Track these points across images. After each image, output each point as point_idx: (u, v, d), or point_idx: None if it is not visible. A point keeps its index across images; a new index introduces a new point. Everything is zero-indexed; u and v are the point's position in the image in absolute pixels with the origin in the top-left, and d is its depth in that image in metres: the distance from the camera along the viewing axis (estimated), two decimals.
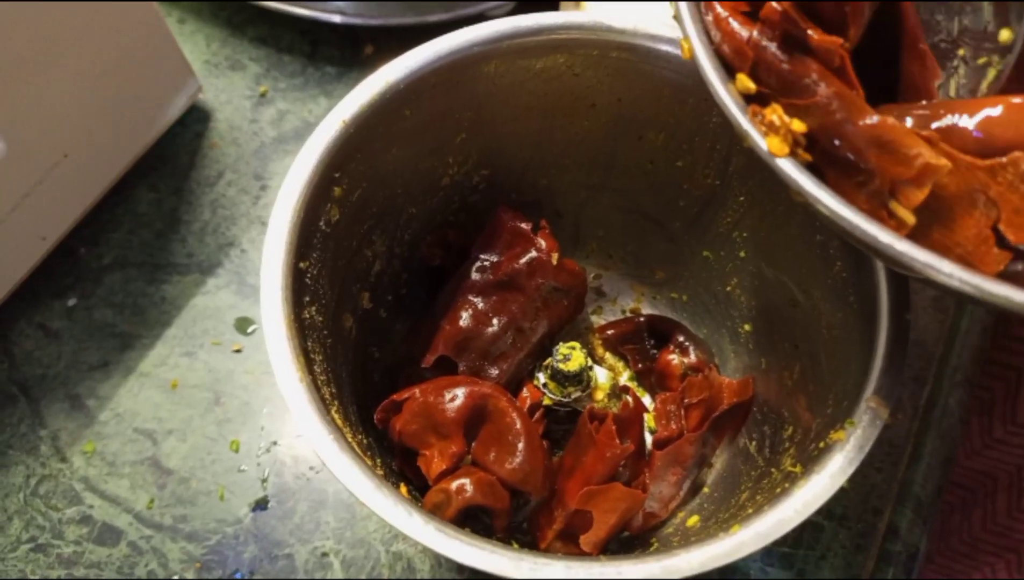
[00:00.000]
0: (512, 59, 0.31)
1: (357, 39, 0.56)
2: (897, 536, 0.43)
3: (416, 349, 0.37)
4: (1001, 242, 0.22)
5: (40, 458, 0.43)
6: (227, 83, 0.55)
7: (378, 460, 0.32)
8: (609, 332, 0.41)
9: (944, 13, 0.24)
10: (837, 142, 0.22)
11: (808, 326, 0.32)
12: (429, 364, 0.35)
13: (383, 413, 0.32)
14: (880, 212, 0.22)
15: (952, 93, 0.24)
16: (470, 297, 0.36)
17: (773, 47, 0.21)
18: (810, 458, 0.26)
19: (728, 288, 0.38)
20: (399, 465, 0.34)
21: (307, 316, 0.28)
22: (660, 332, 0.40)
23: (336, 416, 0.26)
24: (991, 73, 0.23)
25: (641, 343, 0.40)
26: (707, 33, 0.23)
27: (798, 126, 0.21)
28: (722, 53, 0.22)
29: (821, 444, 0.26)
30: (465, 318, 0.36)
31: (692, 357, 0.38)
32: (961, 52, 0.23)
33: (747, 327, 0.37)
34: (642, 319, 0.41)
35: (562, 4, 0.55)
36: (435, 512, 0.29)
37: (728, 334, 0.39)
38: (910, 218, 0.22)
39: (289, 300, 0.26)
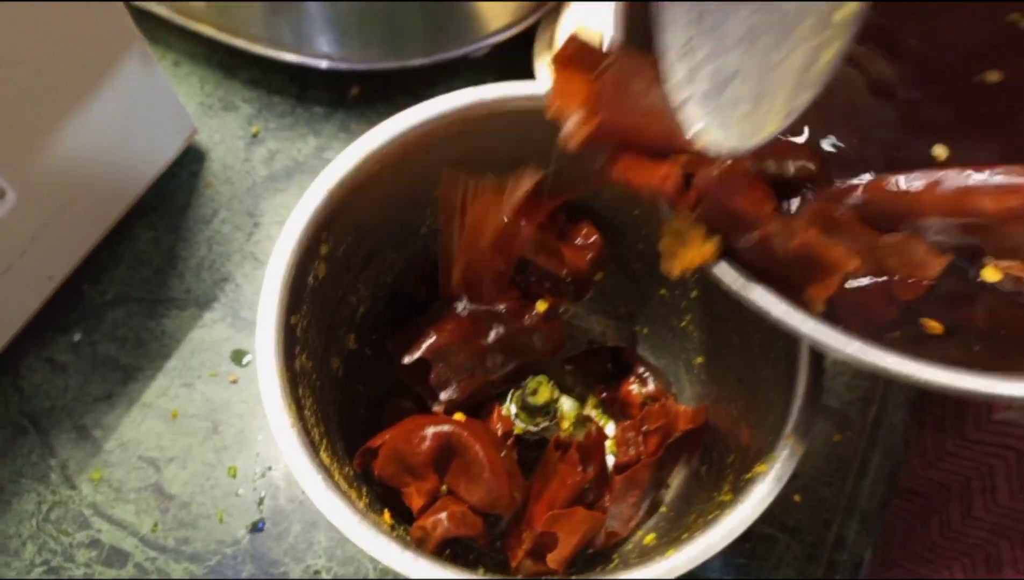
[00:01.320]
0: (478, 123, 0.35)
1: (344, 80, 0.59)
2: (844, 546, 0.47)
3: (401, 349, 0.40)
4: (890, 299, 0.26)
5: (51, 486, 0.46)
6: (220, 124, 0.58)
7: (364, 489, 0.35)
8: (576, 363, 0.44)
9: None
10: (765, 258, 0.26)
11: (748, 363, 0.35)
12: (409, 362, 0.39)
13: (361, 458, 0.35)
14: (794, 297, 0.26)
15: (792, 67, 0.25)
16: (460, 314, 0.40)
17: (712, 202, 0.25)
18: (739, 487, 0.30)
19: (683, 324, 0.42)
20: (384, 494, 0.37)
21: (298, 365, 0.31)
22: (622, 363, 0.44)
23: (324, 456, 0.30)
24: (827, 52, 0.24)
25: (605, 373, 0.44)
26: None
27: (710, 249, 0.25)
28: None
29: (748, 475, 0.29)
30: (448, 332, 0.39)
31: (651, 387, 0.42)
32: (808, 22, 0.25)
33: (699, 360, 0.41)
34: (606, 351, 0.44)
35: (536, 45, 0.59)
36: (420, 546, 0.33)
37: (683, 366, 0.42)
38: (820, 307, 0.26)
39: (281, 354, 0.29)
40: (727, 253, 0.26)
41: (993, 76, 0.30)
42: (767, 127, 0.24)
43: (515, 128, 0.36)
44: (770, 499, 0.28)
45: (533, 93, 0.34)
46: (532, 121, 0.36)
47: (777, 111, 0.23)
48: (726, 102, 0.24)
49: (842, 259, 0.25)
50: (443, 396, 0.37)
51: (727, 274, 0.25)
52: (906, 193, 0.25)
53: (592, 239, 0.38)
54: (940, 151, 0.27)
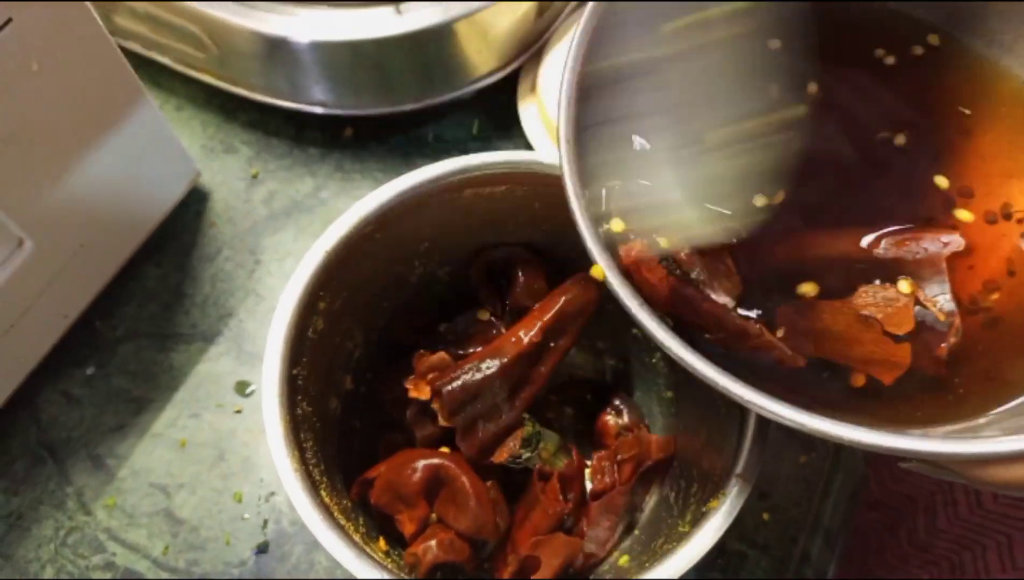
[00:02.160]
0: (461, 189, 0.38)
1: (338, 123, 0.62)
2: (809, 562, 0.50)
3: (386, 390, 0.43)
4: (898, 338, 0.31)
5: (67, 512, 0.49)
6: (222, 166, 0.61)
7: (361, 519, 0.39)
8: (557, 394, 0.48)
9: None
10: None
11: (708, 401, 0.39)
12: (392, 402, 0.42)
13: (359, 487, 0.39)
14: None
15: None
16: None
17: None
18: (696, 519, 0.33)
19: (653, 360, 0.45)
20: (379, 521, 0.40)
21: (299, 412, 0.34)
22: (600, 395, 0.47)
23: (324, 494, 0.33)
24: None
25: (584, 405, 0.47)
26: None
27: None
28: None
29: (704, 508, 0.33)
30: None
31: (625, 418, 0.45)
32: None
33: (669, 393, 0.44)
34: (585, 383, 0.48)
35: (520, 87, 0.62)
36: (412, 571, 0.36)
37: (655, 398, 0.46)
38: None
39: (285, 404, 0.33)
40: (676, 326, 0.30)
41: (900, 139, 0.34)
42: None
43: (501, 192, 0.40)
44: (720, 533, 0.32)
45: (511, 160, 0.38)
46: (511, 184, 0.39)
47: None
48: None
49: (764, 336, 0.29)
50: (419, 433, 0.41)
51: (680, 351, 0.29)
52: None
53: None
54: None
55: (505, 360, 0.39)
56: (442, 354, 0.40)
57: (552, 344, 0.40)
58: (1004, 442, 0.25)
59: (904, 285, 0.32)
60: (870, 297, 0.32)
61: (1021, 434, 0.25)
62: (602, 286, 0.42)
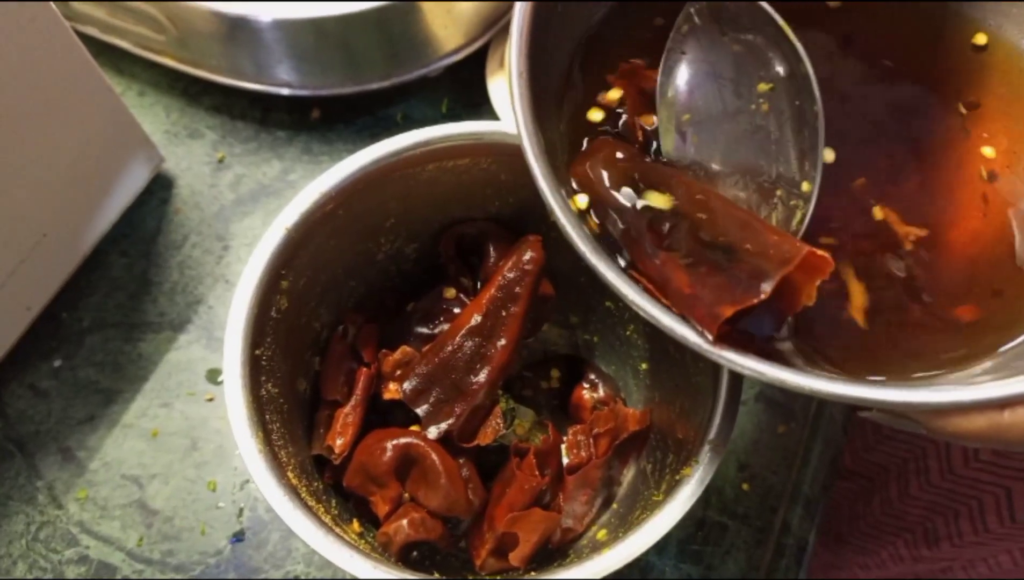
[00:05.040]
0: (424, 163, 0.37)
1: (305, 104, 0.61)
2: (789, 531, 0.50)
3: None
4: None
5: (38, 507, 0.49)
6: (187, 151, 0.60)
7: (333, 501, 0.38)
8: (532, 370, 0.47)
9: (765, 159, 0.31)
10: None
11: (682, 371, 0.38)
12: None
13: (330, 470, 0.38)
14: None
15: (773, 222, 0.30)
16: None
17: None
18: (670, 488, 0.33)
19: (627, 332, 0.45)
20: (355, 504, 0.40)
21: (264, 393, 0.34)
22: (575, 370, 0.47)
23: (292, 476, 0.32)
24: (798, 214, 0.30)
25: (559, 380, 0.47)
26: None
27: None
28: None
29: (677, 476, 0.33)
30: None
31: (601, 392, 0.45)
32: (779, 193, 0.30)
33: (644, 366, 0.44)
34: (560, 358, 0.47)
35: (488, 64, 0.62)
36: (385, 550, 0.36)
37: (630, 371, 0.45)
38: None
39: (248, 386, 0.32)
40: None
41: None
42: None
43: (465, 165, 0.39)
44: (692, 500, 0.31)
45: (475, 131, 0.37)
46: (475, 156, 0.38)
47: None
48: None
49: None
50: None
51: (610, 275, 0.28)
52: None
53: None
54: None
55: (457, 339, 0.38)
56: (404, 349, 0.40)
57: (503, 313, 0.40)
58: (962, 391, 0.24)
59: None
60: None
61: (983, 382, 0.25)
62: (545, 246, 0.41)
